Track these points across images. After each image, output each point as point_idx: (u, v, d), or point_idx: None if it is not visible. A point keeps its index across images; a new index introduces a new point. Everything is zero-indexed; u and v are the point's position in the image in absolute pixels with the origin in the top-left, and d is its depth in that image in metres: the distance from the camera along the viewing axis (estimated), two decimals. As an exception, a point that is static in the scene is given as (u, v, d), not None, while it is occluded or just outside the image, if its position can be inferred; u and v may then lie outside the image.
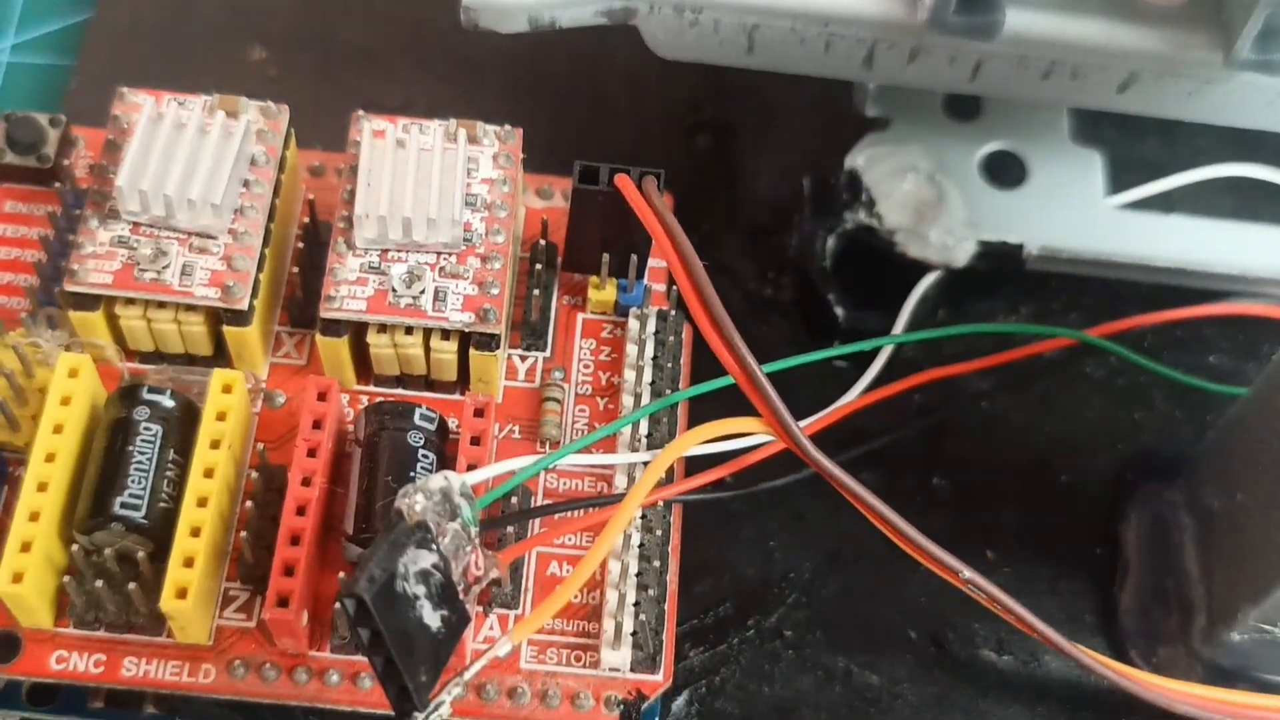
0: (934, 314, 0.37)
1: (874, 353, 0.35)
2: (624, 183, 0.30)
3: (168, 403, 0.29)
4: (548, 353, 0.33)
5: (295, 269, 0.33)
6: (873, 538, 0.28)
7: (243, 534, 0.29)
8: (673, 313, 0.33)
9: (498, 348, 0.31)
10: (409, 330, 0.30)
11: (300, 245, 0.32)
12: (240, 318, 0.30)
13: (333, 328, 0.30)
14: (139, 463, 0.28)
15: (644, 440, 0.31)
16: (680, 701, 0.32)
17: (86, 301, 0.30)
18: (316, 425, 0.29)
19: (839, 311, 0.36)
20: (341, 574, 0.28)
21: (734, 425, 0.28)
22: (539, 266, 0.33)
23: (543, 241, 0.33)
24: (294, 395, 0.32)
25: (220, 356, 0.32)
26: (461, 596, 0.26)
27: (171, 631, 0.28)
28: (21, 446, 0.30)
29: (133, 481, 0.28)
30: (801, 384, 0.30)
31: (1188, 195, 0.38)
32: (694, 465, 0.30)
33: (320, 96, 0.39)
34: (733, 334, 0.28)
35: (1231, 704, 0.30)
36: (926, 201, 0.37)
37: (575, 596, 0.30)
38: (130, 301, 0.30)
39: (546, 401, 0.32)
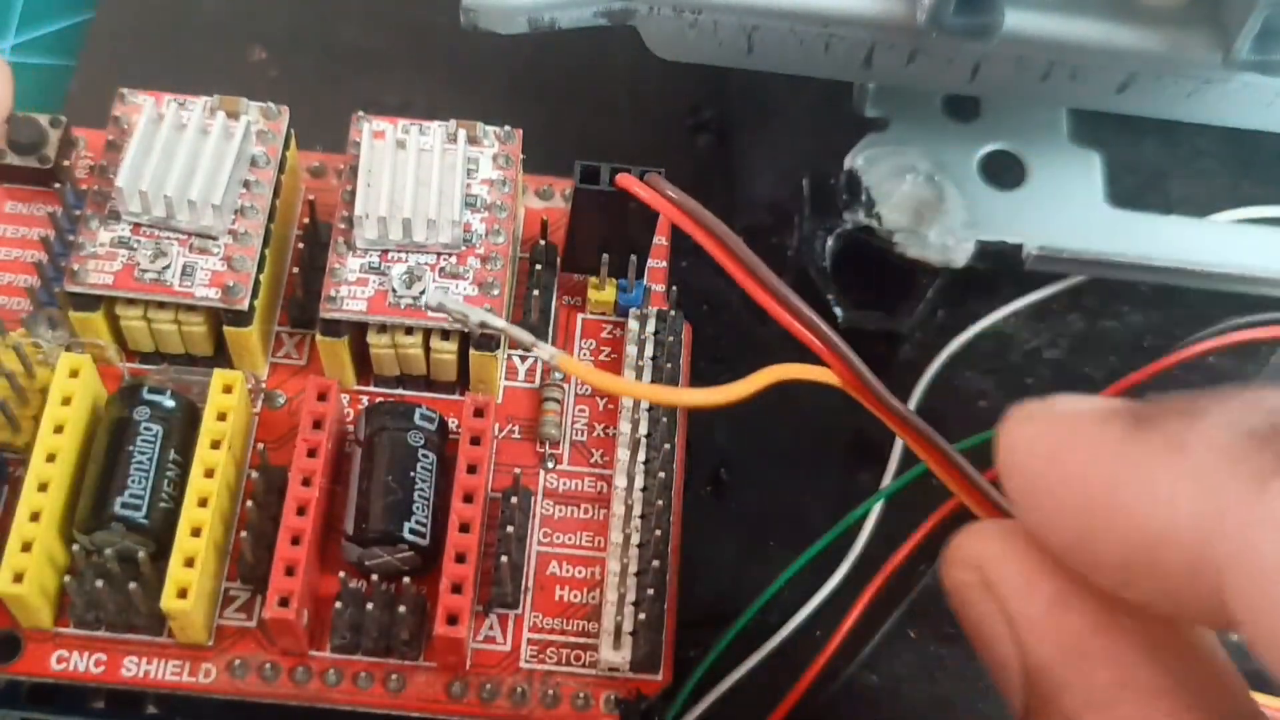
0: (934, 314, 0.37)
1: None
2: (628, 181, 0.30)
3: (168, 403, 0.29)
4: (548, 353, 0.33)
5: (295, 269, 0.33)
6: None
7: (243, 534, 0.29)
8: (672, 313, 0.33)
9: (498, 348, 0.31)
10: (409, 330, 0.31)
11: (300, 246, 0.32)
12: (241, 318, 0.30)
13: (333, 328, 0.30)
14: (139, 463, 0.28)
15: (643, 440, 0.31)
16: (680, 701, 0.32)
17: (87, 302, 0.30)
18: (317, 425, 0.29)
19: (838, 311, 0.36)
20: (341, 572, 0.28)
21: (810, 372, 0.26)
22: (539, 267, 0.33)
23: (542, 242, 0.33)
24: (294, 395, 0.32)
25: (220, 356, 0.32)
26: None
27: (172, 631, 0.28)
28: (22, 447, 0.30)
29: (133, 482, 0.28)
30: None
31: (1187, 195, 0.38)
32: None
33: (320, 97, 0.39)
34: (796, 303, 0.27)
35: None
36: (926, 202, 0.37)
37: (575, 598, 0.30)
38: (131, 302, 0.30)
39: (546, 402, 0.32)
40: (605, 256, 0.33)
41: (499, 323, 0.24)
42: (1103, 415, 0.18)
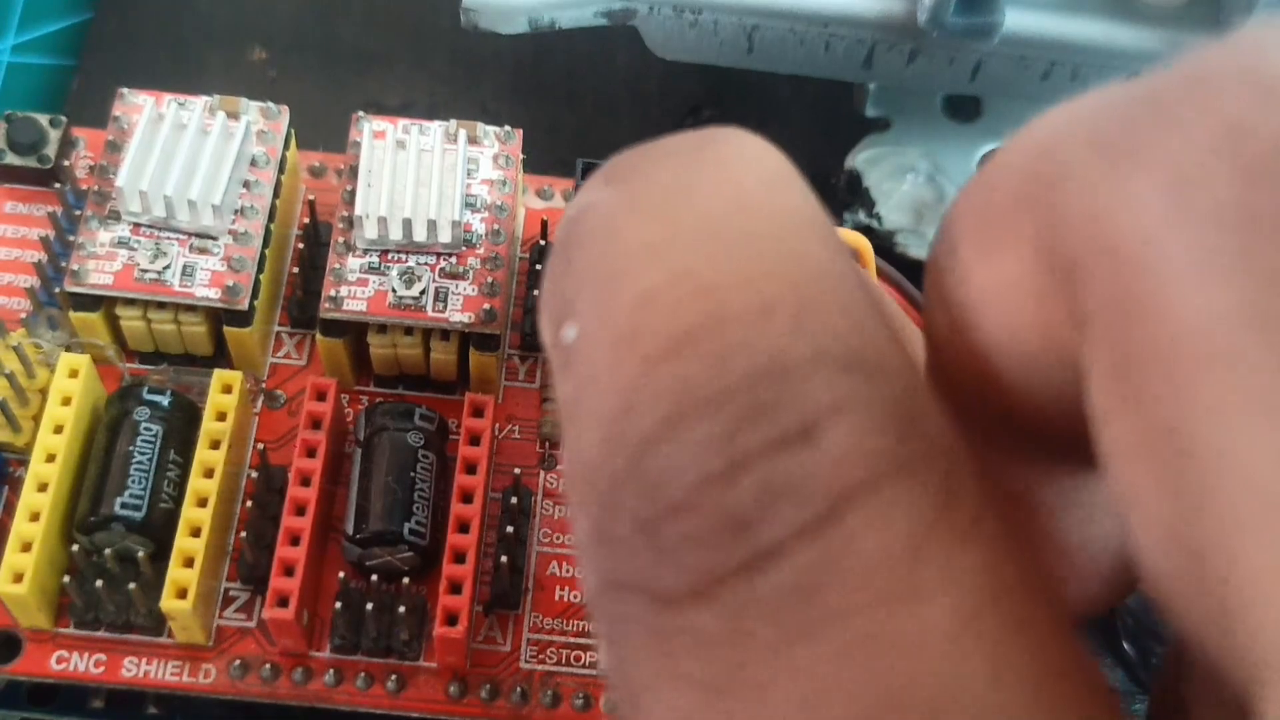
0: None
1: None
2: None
3: (168, 403, 0.29)
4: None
5: (295, 269, 0.33)
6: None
7: (243, 534, 0.29)
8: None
9: (498, 348, 0.31)
10: (409, 331, 0.31)
11: (300, 245, 0.32)
12: (241, 318, 0.30)
13: (333, 328, 0.30)
14: (139, 463, 0.28)
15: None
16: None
17: (87, 302, 0.30)
18: (316, 425, 0.29)
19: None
20: (341, 573, 0.28)
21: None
22: (539, 267, 0.33)
23: (543, 242, 0.33)
24: (294, 395, 0.32)
25: (220, 356, 0.32)
26: None
27: (172, 631, 0.28)
28: (22, 447, 0.30)
29: (133, 482, 0.28)
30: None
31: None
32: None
33: (320, 97, 0.39)
34: None
35: None
36: (926, 202, 0.37)
37: (575, 598, 0.30)
38: (131, 302, 0.30)
39: (546, 402, 0.32)
40: (605, 256, 0.33)
41: None
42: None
